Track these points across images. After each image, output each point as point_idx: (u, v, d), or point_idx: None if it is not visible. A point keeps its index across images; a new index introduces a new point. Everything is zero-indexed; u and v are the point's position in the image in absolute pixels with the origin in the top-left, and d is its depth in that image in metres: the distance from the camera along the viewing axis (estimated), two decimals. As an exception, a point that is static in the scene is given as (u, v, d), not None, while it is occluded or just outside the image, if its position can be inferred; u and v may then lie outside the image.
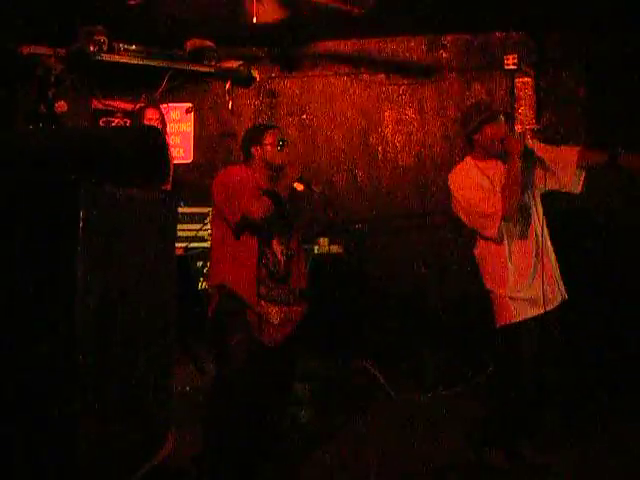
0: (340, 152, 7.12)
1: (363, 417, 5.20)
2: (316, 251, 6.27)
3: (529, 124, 6.58)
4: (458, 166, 4.31)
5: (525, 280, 4.08)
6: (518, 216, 4.09)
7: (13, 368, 1.78)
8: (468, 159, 4.27)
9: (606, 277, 6.03)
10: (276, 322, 3.92)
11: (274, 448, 4.17)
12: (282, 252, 4.01)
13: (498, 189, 4.05)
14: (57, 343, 1.75)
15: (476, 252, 4.28)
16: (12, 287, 1.77)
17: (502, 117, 4.16)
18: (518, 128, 6.62)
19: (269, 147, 4.06)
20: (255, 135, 4.16)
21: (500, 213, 3.98)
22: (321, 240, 6.47)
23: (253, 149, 4.10)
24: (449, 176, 4.30)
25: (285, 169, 4.03)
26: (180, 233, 5.47)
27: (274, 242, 3.98)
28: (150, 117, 5.58)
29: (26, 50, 3.89)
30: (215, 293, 3.92)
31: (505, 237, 4.10)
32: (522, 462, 4.15)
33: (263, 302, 3.88)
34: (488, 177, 4.13)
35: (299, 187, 6.35)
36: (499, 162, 4.14)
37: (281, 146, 4.06)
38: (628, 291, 5.99)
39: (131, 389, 2.03)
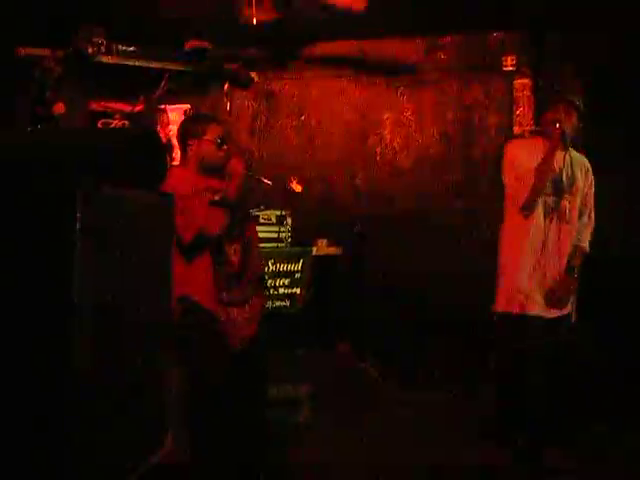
0: (338, 153, 7.12)
1: (362, 416, 5.20)
2: (315, 252, 6.28)
3: (527, 125, 6.58)
4: (523, 138, 4.50)
5: (540, 274, 4.12)
6: (552, 204, 4.18)
7: (8, 369, 1.77)
8: (538, 138, 4.39)
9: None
10: (242, 324, 3.78)
11: (265, 449, 4.08)
12: (234, 251, 3.83)
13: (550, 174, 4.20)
14: (53, 344, 1.75)
15: (502, 231, 4.38)
16: (7, 289, 1.76)
17: (562, 106, 4.29)
18: (516, 129, 6.63)
19: (207, 144, 3.77)
20: (193, 126, 3.86)
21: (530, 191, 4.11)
22: (319, 241, 6.48)
23: (189, 142, 3.79)
24: (508, 141, 4.64)
25: (228, 168, 3.77)
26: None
27: (225, 245, 3.78)
28: (164, 121, 5.53)
29: (24, 52, 3.89)
30: (176, 306, 3.51)
31: (536, 222, 4.17)
32: (538, 464, 4.12)
33: (227, 308, 3.74)
34: (538, 158, 4.21)
35: (297, 189, 6.36)
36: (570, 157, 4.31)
37: (220, 144, 3.77)
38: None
39: (127, 390, 2.03)
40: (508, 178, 4.27)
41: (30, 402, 1.78)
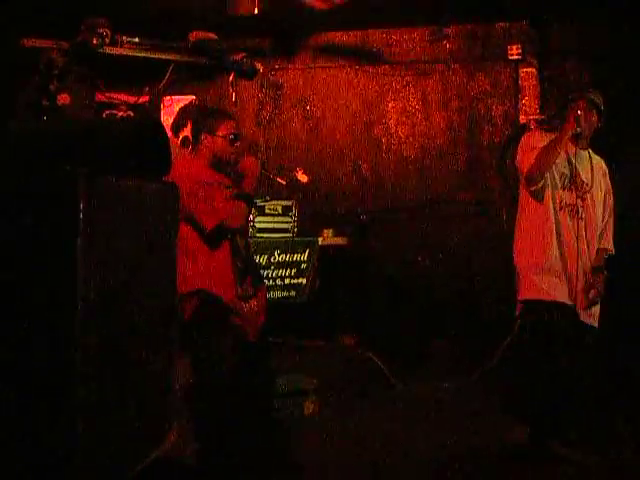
0: (344, 143, 7.12)
1: (367, 408, 5.20)
2: (320, 242, 6.28)
3: (533, 114, 6.57)
4: (542, 131, 4.49)
5: (560, 267, 4.13)
6: (568, 199, 4.19)
7: (12, 362, 1.78)
8: (552, 134, 4.33)
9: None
10: (254, 317, 3.79)
11: (272, 436, 4.11)
12: (244, 245, 3.86)
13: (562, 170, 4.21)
14: (57, 337, 1.75)
15: (518, 223, 4.34)
16: (11, 280, 1.77)
17: (581, 102, 4.21)
18: (522, 119, 6.61)
19: (220, 140, 3.78)
20: (206, 120, 3.86)
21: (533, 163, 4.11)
22: (325, 231, 6.48)
23: (203, 137, 3.80)
24: (527, 133, 4.69)
25: (242, 165, 3.81)
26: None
27: (237, 238, 3.80)
28: (168, 111, 5.54)
29: (28, 43, 3.88)
30: (190, 299, 3.61)
31: (553, 213, 4.17)
32: (554, 458, 4.12)
33: (242, 302, 3.75)
34: (564, 155, 4.22)
35: (303, 179, 6.38)
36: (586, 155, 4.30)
37: (233, 141, 3.78)
38: None
39: (132, 383, 2.04)
40: (527, 163, 4.19)
41: (33, 397, 1.78)
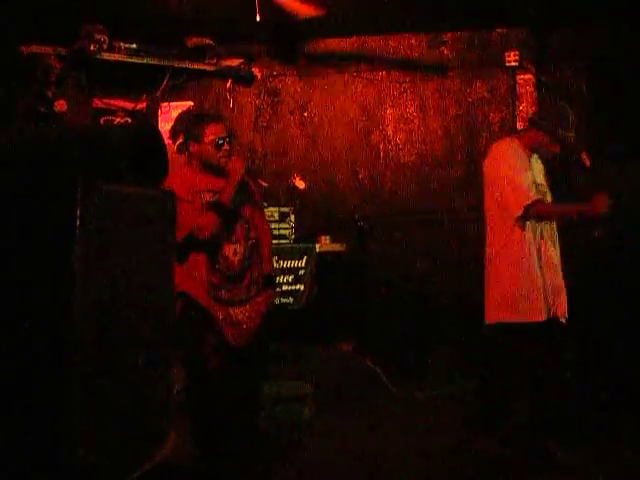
0: (341, 150, 7.12)
1: (364, 415, 5.20)
2: (318, 249, 6.28)
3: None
4: (505, 140, 4.37)
5: (540, 280, 4.12)
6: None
7: (10, 364, 1.78)
8: (515, 141, 4.27)
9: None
10: (242, 322, 3.80)
11: (258, 446, 4.08)
12: (234, 251, 3.81)
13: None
14: (55, 341, 1.75)
15: (489, 250, 4.29)
16: (9, 284, 1.77)
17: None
18: (519, 125, 6.61)
19: (206, 147, 3.76)
20: (193, 128, 3.82)
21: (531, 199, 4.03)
22: (323, 238, 6.48)
23: (190, 145, 3.80)
24: (494, 145, 4.33)
25: (227, 167, 3.78)
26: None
27: (224, 247, 3.78)
28: (165, 117, 5.54)
29: (26, 49, 3.89)
30: (177, 301, 3.61)
31: (531, 230, 4.13)
32: (547, 460, 4.12)
33: (224, 306, 3.76)
34: (530, 163, 4.19)
35: (301, 185, 6.36)
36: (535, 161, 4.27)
37: (219, 145, 3.76)
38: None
39: (130, 386, 2.03)
40: (506, 185, 4.11)
41: (32, 400, 1.78)
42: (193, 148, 3.80)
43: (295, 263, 6.05)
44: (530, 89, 6.62)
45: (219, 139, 3.78)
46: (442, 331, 6.38)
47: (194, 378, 3.79)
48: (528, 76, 6.63)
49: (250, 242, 3.90)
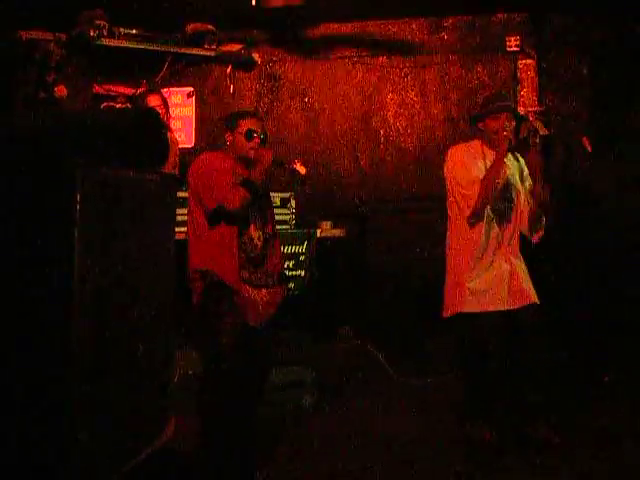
0: (342, 135, 7.11)
1: (365, 401, 5.22)
2: (319, 234, 6.27)
3: (531, 106, 6.56)
4: (460, 144, 4.47)
5: (488, 272, 4.25)
6: (501, 208, 4.29)
7: (10, 354, 1.78)
8: (476, 141, 4.40)
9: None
10: (262, 304, 3.93)
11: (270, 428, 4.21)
12: (259, 237, 3.97)
13: (499, 179, 4.24)
14: (54, 328, 1.75)
15: (448, 234, 4.50)
16: (8, 270, 1.77)
17: (505, 114, 4.26)
18: (520, 110, 6.59)
19: (239, 137, 3.97)
20: (230, 121, 4.06)
21: (477, 201, 4.16)
22: (324, 223, 6.47)
23: (226, 135, 4.04)
24: (451, 147, 4.45)
25: (255, 154, 3.95)
26: (180, 217, 5.44)
27: (251, 228, 3.94)
28: (153, 103, 5.57)
29: (26, 35, 3.88)
30: (198, 279, 3.87)
31: (483, 224, 4.24)
32: (533, 442, 4.18)
33: (247, 286, 3.88)
34: (485, 164, 4.26)
35: (302, 171, 6.36)
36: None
37: (251, 136, 3.96)
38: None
39: (130, 373, 2.04)
40: (455, 186, 4.30)
41: (32, 388, 1.78)
42: (229, 138, 4.01)
43: (296, 249, 6.05)
44: (531, 74, 6.60)
45: (251, 130, 3.95)
46: (441, 318, 6.38)
47: (211, 359, 3.87)
48: (529, 61, 6.61)
49: (268, 234, 4.04)
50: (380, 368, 5.84)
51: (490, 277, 4.26)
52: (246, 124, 3.99)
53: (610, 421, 4.57)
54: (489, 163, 4.23)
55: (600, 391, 5.15)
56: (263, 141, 4.02)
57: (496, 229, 4.29)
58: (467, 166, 4.26)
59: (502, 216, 4.31)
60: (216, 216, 3.81)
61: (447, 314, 4.43)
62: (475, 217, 4.23)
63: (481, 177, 4.19)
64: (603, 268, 6.02)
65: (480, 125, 4.34)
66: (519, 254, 4.40)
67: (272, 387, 4.67)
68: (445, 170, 4.40)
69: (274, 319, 4.04)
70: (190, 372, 5.26)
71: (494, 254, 4.28)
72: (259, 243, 3.96)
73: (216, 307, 3.84)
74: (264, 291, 3.96)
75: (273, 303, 4.02)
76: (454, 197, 4.34)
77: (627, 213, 6.06)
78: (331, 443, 4.42)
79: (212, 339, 3.84)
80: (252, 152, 3.95)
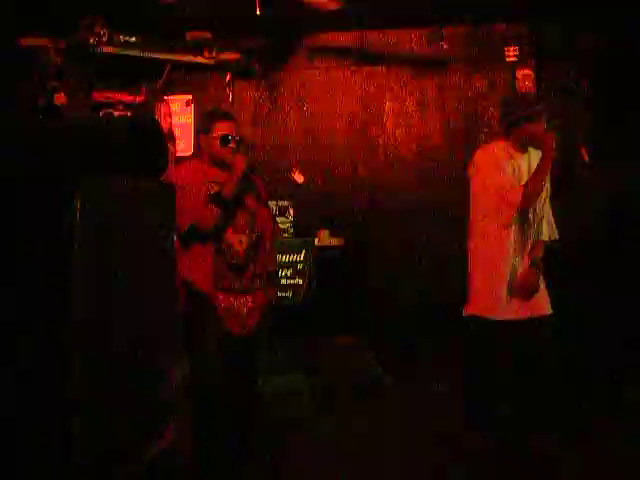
0: (341, 144, 7.11)
1: (363, 408, 5.22)
2: (317, 243, 6.28)
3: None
4: (489, 145, 4.33)
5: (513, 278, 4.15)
6: (523, 216, 4.15)
7: (9, 361, 1.78)
8: (501, 143, 4.24)
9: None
10: (246, 310, 3.88)
11: (254, 438, 4.15)
12: (240, 241, 3.87)
13: (521, 181, 4.10)
14: (54, 337, 1.75)
15: (471, 244, 4.30)
16: (7, 280, 1.77)
17: (544, 117, 4.14)
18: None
19: (214, 141, 3.88)
20: (205, 122, 3.99)
21: (518, 203, 4.03)
22: (322, 232, 6.48)
23: (200, 137, 3.97)
24: (476, 153, 4.29)
25: (229, 162, 3.86)
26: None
27: (228, 234, 3.84)
28: (164, 112, 5.57)
29: (25, 42, 3.89)
30: (181, 287, 3.77)
31: (513, 231, 4.14)
32: (532, 453, 4.15)
33: (226, 294, 3.83)
34: (513, 167, 4.15)
35: (300, 179, 6.36)
36: (528, 156, 4.19)
37: (225, 141, 3.87)
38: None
39: (131, 379, 2.04)
40: (498, 190, 4.09)
41: (34, 390, 1.78)
42: (202, 141, 3.95)
43: (294, 257, 6.06)
44: (529, 84, 6.61)
45: (226, 135, 3.87)
46: (442, 325, 6.39)
47: (196, 367, 3.82)
48: (528, 71, 6.62)
49: (255, 235, 3.96)
50: (379, 375, 5.83)
51: (517, 284, 4.15)
52: (221, 128, 3.89)
53: (616, 435, 4.51)
54: (516, 165, 4.13)
55: (610, 404, 5.06)
56: (238, 144, 3.93)
57: (523, 232, 4.19)
58: (505, 169, 4.11)
59: (522, 217, 4.18)
60: (190, 235, 3.73)
61: (470, 313, 4.25)
62: (514, 220, 4.11)
63: (512, 180, 4.09)
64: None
65: (514, 129, 4.15)
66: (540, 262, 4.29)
67: (270, 396, 4.66)
68: (475, 173, 4.21)
69: (265, 324, 4.00)
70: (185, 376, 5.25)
71: (521, 259, 4.19)
72: (241, 248, 3.87)
73: (196, 317, 3.79)
74: (248, 297, 3.89)
75: (258, 309, 3.94)
76: (491, 201, 4.12)
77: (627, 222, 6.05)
78: (329, 451, 4.41)
79: (195, 349, 3.80)
80: (227, 157, 3.87)
